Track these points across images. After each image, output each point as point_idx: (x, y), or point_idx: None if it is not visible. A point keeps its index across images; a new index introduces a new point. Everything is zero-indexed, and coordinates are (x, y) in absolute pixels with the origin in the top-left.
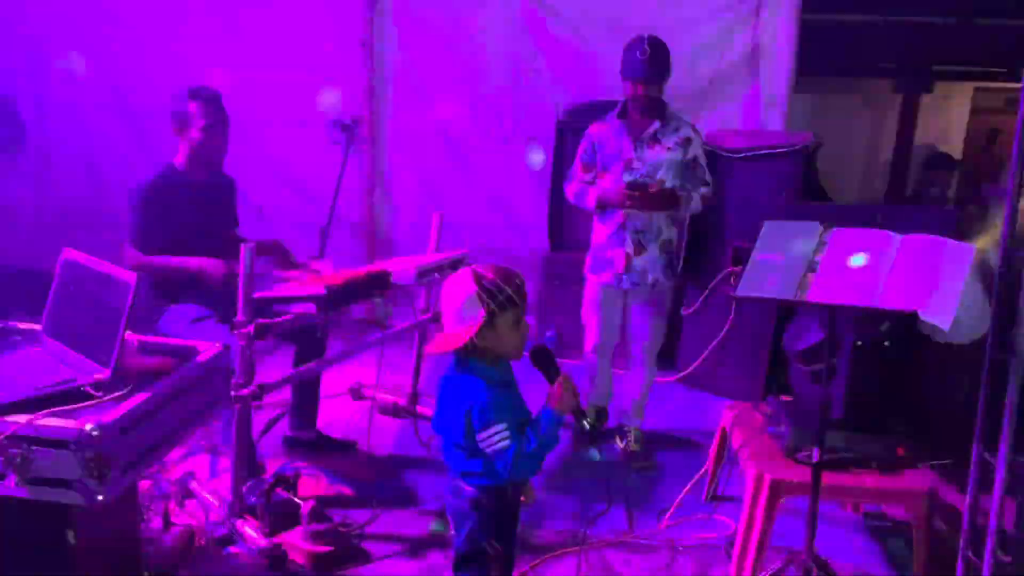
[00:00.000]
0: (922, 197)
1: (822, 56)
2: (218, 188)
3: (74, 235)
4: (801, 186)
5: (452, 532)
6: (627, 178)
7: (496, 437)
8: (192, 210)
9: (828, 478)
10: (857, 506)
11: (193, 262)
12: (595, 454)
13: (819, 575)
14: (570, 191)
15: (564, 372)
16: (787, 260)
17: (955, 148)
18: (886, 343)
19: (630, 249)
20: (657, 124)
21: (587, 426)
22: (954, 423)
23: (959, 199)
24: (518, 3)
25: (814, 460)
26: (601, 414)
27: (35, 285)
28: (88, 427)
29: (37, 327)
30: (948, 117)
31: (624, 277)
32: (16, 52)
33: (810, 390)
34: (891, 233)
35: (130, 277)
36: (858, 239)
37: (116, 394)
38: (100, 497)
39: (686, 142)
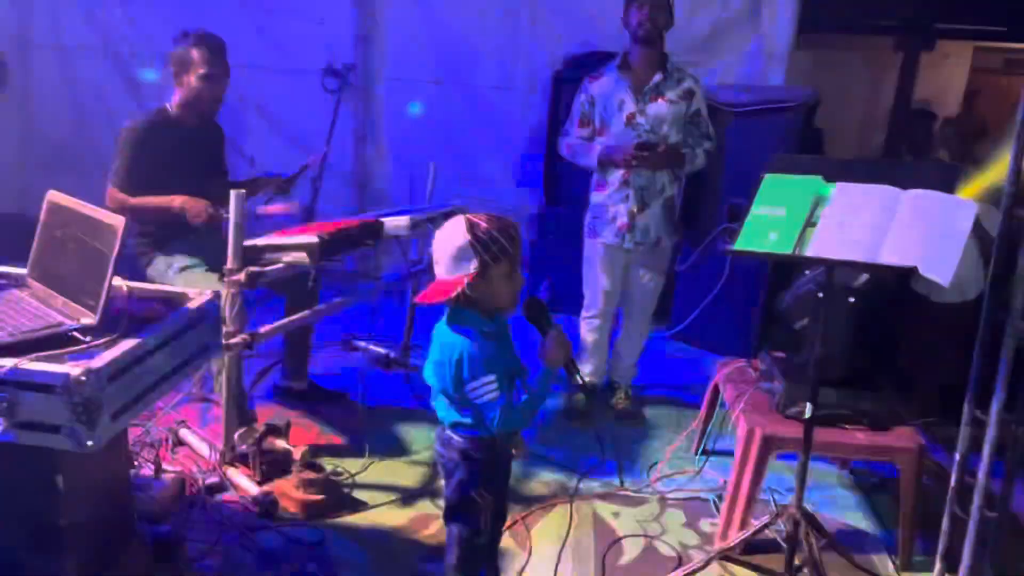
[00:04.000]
0: (904, 151)
1: (823, 12)
2: (206, 135)
3: (59, 179)
4: (801, 142)
5: (442, 482)
6: (630, 132)
7: (485, 388)
8: (179, 155)
9: (820, 434)
10: (845, 462)
11: (176, 200)
12: (582, 399)
13: (807, 528)
14: (565, 148)
15: (557, 326)
16: (787, 214)
17: (953, 107)
18: (851, 299)
19: (634, 207)
20: (659, 76)
21: (580, 380)
22: (939, 383)
23: (953, 155)
24: None
25: (806, 416)
26: (594, 390)
27: (19, 230)
28: (75, 372)
29: (23, 271)
30: (948, 75)
31: (627, 236)
32: None
33: (802, 346)
34: (896, 189)
35: (118, 221)
36: (863, 194)
37: (104, 339)
38: (89, 443)
39: (689, 94)
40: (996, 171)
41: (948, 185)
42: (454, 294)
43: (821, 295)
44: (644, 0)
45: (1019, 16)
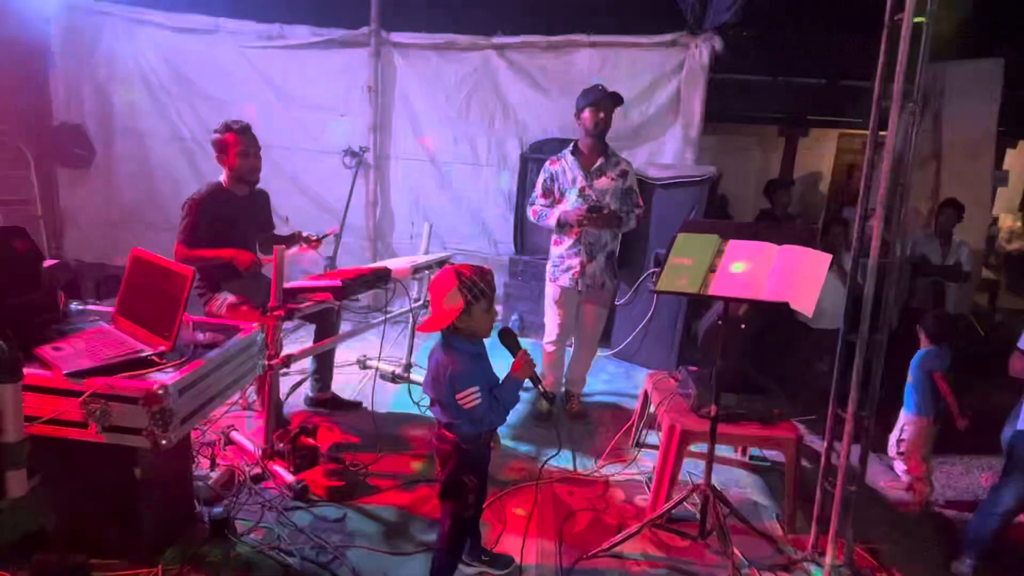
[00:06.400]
0: (769, 213)
1: (725, 105)
2: (254, 200)
3: (132, 236)
4: (707, 207)
5: (437, 470)
6: (582, 203)
7: (470, 397)
8: (232, 217)
9: (723, 428)
10: (745, 450)
11: (227, 252)
12: (545, 404)
13: (715, 501)
14: (532, 213)
15: (524, 348)
16: (694, 263)
17: (825, 179)
18: (743, 325)
19: (584, 258)
20: (602, 159)
21: (541, 390)
22: (817, 389)
23: (826, 220)
24: (491, 60)
25: (712, 415)
26: (553, 398)
27: (101, 275)
28: (155, 387)
29: (111, 309)
30: (820, 155)
31: (580, 281)
32: (86, 86)
33: (710, 362)
34: (770, 244)
35: (188, 271)
36: (746, 248)
37: (176, 362)
38: (164, 442)
39: (624, 174)
40: None
41: (809, 242)
42: (446, 324)
43: (720, 323)
44: (599, 107)
45: (871, 109)
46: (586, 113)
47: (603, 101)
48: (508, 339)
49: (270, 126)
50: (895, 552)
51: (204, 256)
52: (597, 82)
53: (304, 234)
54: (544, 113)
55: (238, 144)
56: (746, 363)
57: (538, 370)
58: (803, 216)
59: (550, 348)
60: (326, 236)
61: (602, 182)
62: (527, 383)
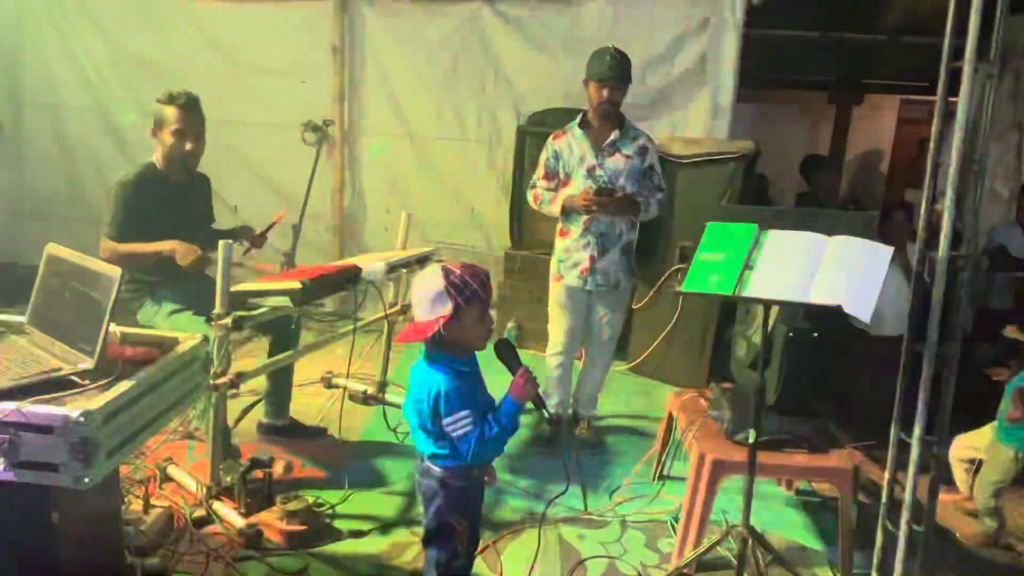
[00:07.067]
0: (808, 197)
1: (764, 69)
2: (192, 186)
3: (49, 230)
4: (742, 190)
5: (421, 511)
6: (591, 185)
7: (460, 423)
8: (167, 206)
9: (763, 457)
10: (791, 484)
11: (165, 245)
12: (547, 430)
13: (754, 545)
14: (532, 197)
15: (524, 364)
16: (727, 259)
17: (884, 156)
18: (815, 334)
19: (595, 252)
20: (616, 133)
21: (546, 413)
22: (877, 409)
23: (886, 201)
24: (482, 15)
25: (750, 441)
26: (559, 421)
27: (12, 278)
28: (74, 414)
29: (21, 319)
30: (878, 127)
31: (589, 279)
32: None
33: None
34: (819, 235)
35: (115, 272)
36: (791, 240)
37: (101, 382)
38: (86, 480)
39: (643, 150)
40: None
41: (867, 231)
42: (430, 334)
43: (765, 332)
44: (606, 83)
45: (937, 72)
46: (592, 86)
47: (609, 77)
48: (506, 353)
49: (214, 95)
50: None
51: (136, 252)
52: (608, 44)
53: (246, 228)
54: (545, 78)
55: (176, 122)
56: (795, 379)
57: (541, 389)
58: (857, 201)
59: (555, 361)
60: (271, 227)
61: (616, 160)
62: (528, 405)
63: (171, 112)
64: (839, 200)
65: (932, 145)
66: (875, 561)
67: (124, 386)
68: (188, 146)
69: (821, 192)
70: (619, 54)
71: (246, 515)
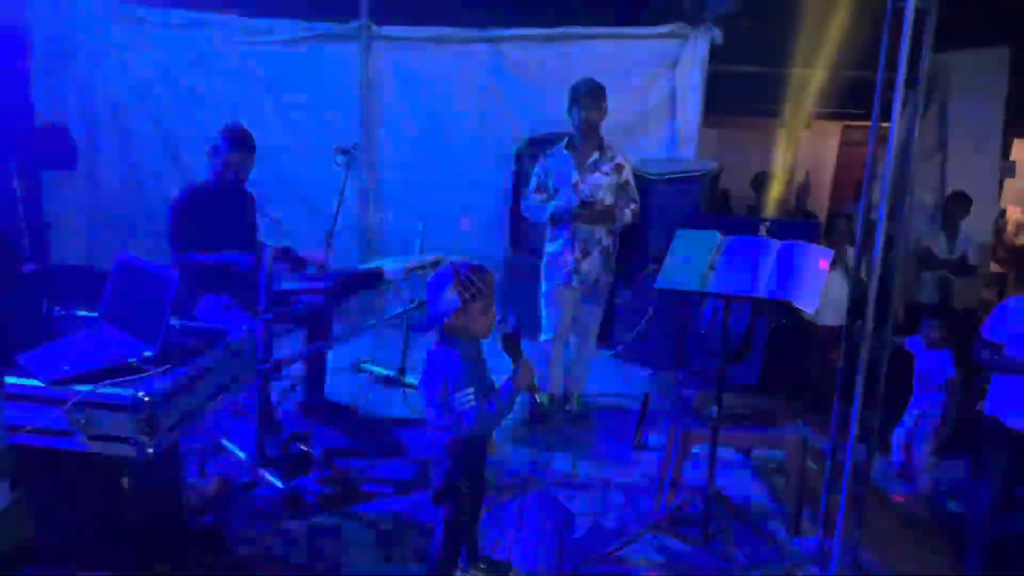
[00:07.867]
0: (756, 209)
1: (725, 99)
2: (240, 202)
3: (118, 239)
4: (707, 202)
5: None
6: (575, 198)
7: (464, 399)
8: (218, 220)
9: (725, 429)
10: (749, 451)
11: (228, 256)
12: (543, 405)
13: (717, 504)
14: (525, 207)
15: (525, 357)
16: (693, 260)
17: (830, 170)
18: (784, 320)
19: (578, 254)
20: (597, 154)
21: (539, 400)
22: (822, 386)
23: (830, 212)
24: (485, 55)
25: (714, 415)
26: (551, 401)
27: (87, 279)
28: (140, 394)
29: (94, 315)
30: (823, 148)
31: (574, 277)
32: (68, 83)
33: (711, 361)
34: (770, 239)
35: (173, 274)
36: (746, 244)
37: (162, 368)
38: (149, 450)
39: (619, 168)
40: None
41: (811, 236)
42: (442, 323)
43: (725, 322)
44: (584, 105)
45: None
46: (575, 111)
47: (584, 98)
48: (511, 346)
49: (258, 123)
50: (902, 554)
51: (204, 262)
52: (591, 76)
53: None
54: (540, 107)
55: (229, 152)
56: (751, 361)
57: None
58: (806, 212)
59: (547, 348)
60: (308, 261)
61: (595, 177)
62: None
63: (224, 145)
64: (789, 211)
65: (868, 162)
66: (821, 517)
67: (181, 371)
68: (236, 172)
69: (766, 204)
70: (594, 82)
71: (287, 480)
